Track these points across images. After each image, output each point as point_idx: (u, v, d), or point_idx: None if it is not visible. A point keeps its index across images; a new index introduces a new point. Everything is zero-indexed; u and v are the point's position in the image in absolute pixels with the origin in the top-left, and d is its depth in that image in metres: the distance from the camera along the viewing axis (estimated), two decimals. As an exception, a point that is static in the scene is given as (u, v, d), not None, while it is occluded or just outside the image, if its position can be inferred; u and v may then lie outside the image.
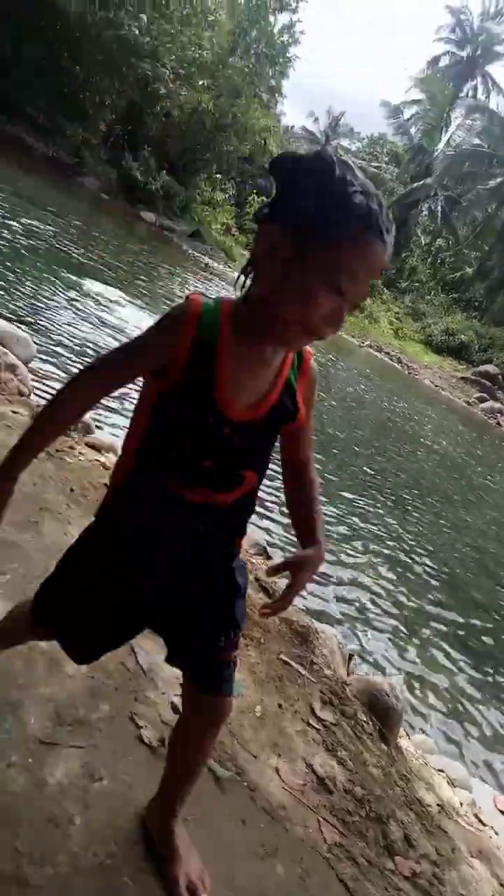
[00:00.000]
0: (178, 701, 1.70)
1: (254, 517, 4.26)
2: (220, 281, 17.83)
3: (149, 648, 1.81)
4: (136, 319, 7.64)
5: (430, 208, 36.31)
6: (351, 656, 2.94)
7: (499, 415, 23.00)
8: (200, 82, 20.37)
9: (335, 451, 7.53)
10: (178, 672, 1.85)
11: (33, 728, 1.38)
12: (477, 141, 33.46)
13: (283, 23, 22.64)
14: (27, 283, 6.68)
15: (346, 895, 1.46)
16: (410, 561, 5.61)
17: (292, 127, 51.45)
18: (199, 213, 24.06)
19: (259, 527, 4.49)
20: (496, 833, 2.32)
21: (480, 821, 2.34)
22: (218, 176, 26.80)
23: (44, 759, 1.32)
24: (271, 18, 22.29)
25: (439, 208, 35.81)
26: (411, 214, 34.00)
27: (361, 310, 27.92)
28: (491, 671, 4.40)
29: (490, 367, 26.66)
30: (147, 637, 1.88)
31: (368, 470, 7.62)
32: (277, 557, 3.95)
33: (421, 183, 32.23)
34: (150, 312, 8.47)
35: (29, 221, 9.53)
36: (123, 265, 11.04)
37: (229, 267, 22.35)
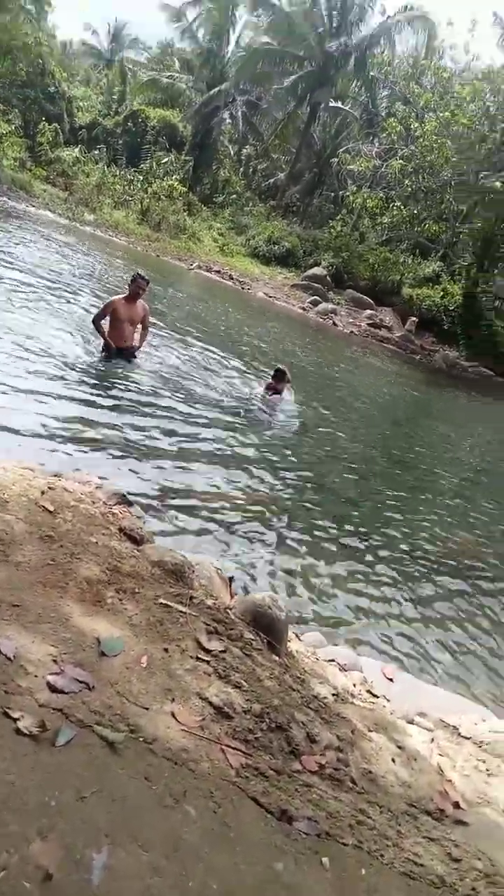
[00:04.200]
0: (54, 679, 1.60)
1: (113, 467, 4.09)
2: (27, 221, 16.39)
3: (10, 634, 1.67)
4: None
5: (231, 114, 35.34)
6: (231, 579, 2.98)
7: (332, 315, 23.90)
8: None
9: (179, 384, 7.41)
10: (50, 649, 1.75)
11: None
12: (266, 39, 32.53)
13: None
14: None
15: (259, 811, 1.50)
16: (272, 467, 5.77)
17: (71, 42, 47.14)
18: (-14, 148, 21.62)
19: (119, 474, 4.35)
20: (388, 700, 2.52)
21: (373, 694, 2.53)
22: (-1, 106, 24.03)
23: None
24: None
25: (240, 113, 34.98)
26: (214, 123, 32.92)
27: (183, 230, 27.15)
28: (362, 557, 4.72)
29: (317, 270, 27.35)
30: (6, 622, 1.75)
31: (219, 392, 7.62)
32: (139, 506, 3.87)
33: (217, 89, 31.02)
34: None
35: None
36: None
37: (32, 205, 20.56)
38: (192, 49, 34.89)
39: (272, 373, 8.14)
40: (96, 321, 6.77)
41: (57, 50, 37.64)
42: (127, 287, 6.95)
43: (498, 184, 21.87)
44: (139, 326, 7.05)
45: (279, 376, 7.95)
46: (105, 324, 6.77)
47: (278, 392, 7.96)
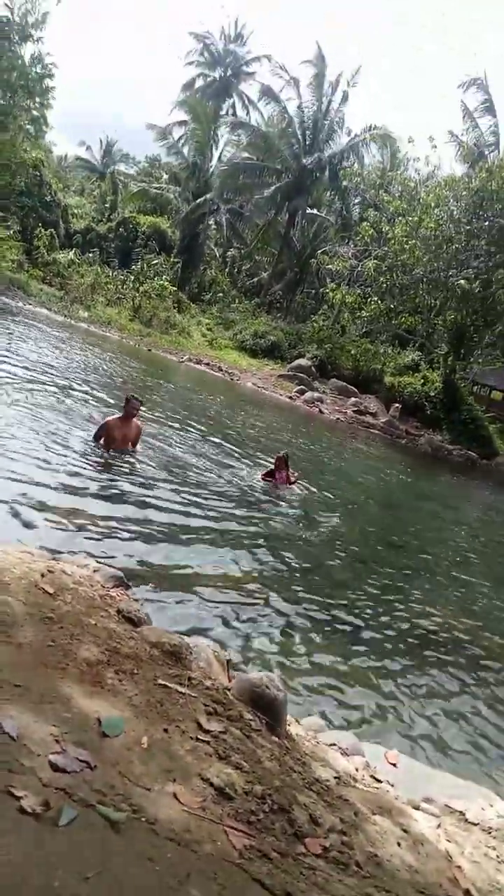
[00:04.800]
0: (56, 758, 1.59)
1: (110, 550, 4.12)
2: (24, 318, 17.04)
3: (13, 714, 1.68)
4: None
5: (216, 221, 37.76)
6: (229, 661, 2.96)
7: (319, 403, 24.54)
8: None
9: (177, 472, 7.54)
10: (52, 729, 1.75)
11: None
12: (246, 154, 35.43)
13: (31, 53, 22.02)
14: None
15: (264, 894, 1.46)
16: (269, 552, 5.78)
17: (66, 156, 50.96)
18: (-16, 253, 22.81)
19: (117, 558, 4.36)
20: (391, 785, 2.46)
21: (376, 779, 2.48)
22: (-2, 214, 25.51)
23: None
24: (18, 49, 21.58)
25: (224, 220, 37.41)
26: (200, 229, 35.07)
27: (173, 326, 28.24)
28: (359, 639, 4.68)
29: (302, 361, 28.35)
30: (8, 702, 1.75)
31: (216, 479, 7.73)
32: (136, 588, 3.87)
33: (203, 199, 33.32)
34: None
35: None
36: None
37: (29, 304, 21.43)
38: (178, 163, 37.70)
39: (273, 460, 8.35)
40: (95, 440, 6.99)
41: (53, 164, 40.58)
42: (122, 407, 7.14)
43: (463, 282, 23.25)
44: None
45: (280, 463, 8.16)
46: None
47: (279, 478, 8.12)
